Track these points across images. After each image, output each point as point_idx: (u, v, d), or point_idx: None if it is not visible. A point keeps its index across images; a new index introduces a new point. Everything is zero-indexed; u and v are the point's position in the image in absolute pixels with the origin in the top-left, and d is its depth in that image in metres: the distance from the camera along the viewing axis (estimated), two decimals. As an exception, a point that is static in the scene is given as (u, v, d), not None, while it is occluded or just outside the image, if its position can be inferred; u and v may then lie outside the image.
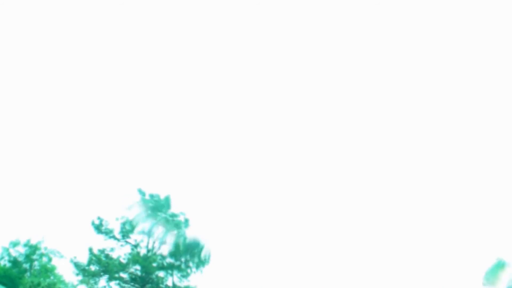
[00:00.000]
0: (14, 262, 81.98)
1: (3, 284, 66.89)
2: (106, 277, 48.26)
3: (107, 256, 48.10)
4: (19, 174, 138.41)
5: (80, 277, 49.77)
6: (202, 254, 47.87)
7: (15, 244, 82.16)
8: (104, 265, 47.19)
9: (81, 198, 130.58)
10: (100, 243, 49.00)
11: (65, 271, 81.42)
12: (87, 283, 49.70)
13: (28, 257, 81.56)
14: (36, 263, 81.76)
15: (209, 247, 48.54)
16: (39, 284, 67.83)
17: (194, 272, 48.12)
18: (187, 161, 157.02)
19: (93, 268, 48.54)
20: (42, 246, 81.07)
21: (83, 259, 49.05)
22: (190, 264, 47.94)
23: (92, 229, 48.87)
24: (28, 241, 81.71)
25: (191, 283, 48.28)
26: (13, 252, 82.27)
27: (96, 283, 48.92)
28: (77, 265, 48.83)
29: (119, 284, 49.78)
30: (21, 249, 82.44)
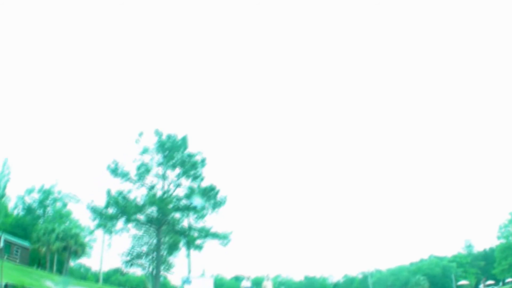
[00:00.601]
0: (28, 210, 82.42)
1: (15, 234, 67.56)
2: (123, 219, 48.40)
3: (124, 198, 48.09)
4: (33, 118, 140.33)
5: (97, 221, 49.76)
6: (218, 195, 47.79)
7: (30, 192, 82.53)
8: (122, 207, 47.17)
9: (96, 142, 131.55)
10: (116, 186, 49.14)
11: (82, 215, 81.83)
12: (104, 226, 49.90)
13: (42, 203, 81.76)
14: (49, 208, 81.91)
15: (225, 187, 48.48)
16: (53, 229, 68.34)
17: (210, 213, 48.04)
18: (205, 102, 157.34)
19: (110, 210, 48.63)
20: (56, 190, 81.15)
21: (100, 203, 49.28)
22: (206, 205, 47.87)
23: (108, 173, 48.95)
24: (42, 186, 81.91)
25: (207, 224, 48.31)
26: (28, 200, 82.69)
27: (113, 225, 49.11)
28: (94, 209, 48.71)
29: (136, 225, 50.01)
30: (36, 196, 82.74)
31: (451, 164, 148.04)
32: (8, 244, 60.73)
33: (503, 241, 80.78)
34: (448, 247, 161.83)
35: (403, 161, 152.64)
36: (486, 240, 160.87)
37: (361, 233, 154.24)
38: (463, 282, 77.89)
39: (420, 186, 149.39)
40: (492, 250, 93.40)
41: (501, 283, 69.64)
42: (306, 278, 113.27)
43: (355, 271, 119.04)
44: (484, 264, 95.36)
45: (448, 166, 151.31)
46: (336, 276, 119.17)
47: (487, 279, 73.74)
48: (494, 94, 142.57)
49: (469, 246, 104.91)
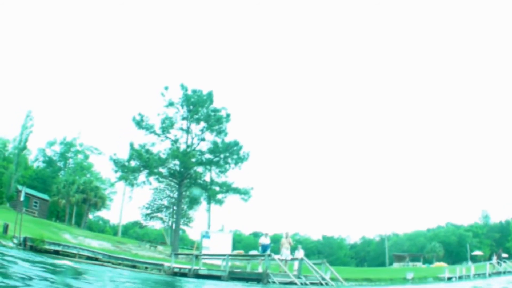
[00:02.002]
0: (49, 162, 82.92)
1: (34, 187, 68.10)
2: (145, 172, 48.66)
3: (147, 151, 48.29)
4: (57, 69, 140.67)
5: (119, 174, 50.00)
6: (241, 151, 47.79)
7: (51, 144, 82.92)
8: (145, 160, 47.33)
9: (120, 94, 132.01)
10: (140, 139, 49.26)
11: (104, 168, 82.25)
12: (126, 179, 50.16)
13: (63, 155, 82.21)
14: (71, 160, 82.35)
15: (249, 144, 48.48)
16: (73, 182, 68.67)
17: (233, 168, 48.26)
18: (232, 58, 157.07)
19: (133, 163, 48.83)
20: (78, 142, 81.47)
21: (123, 156, 49.48)
22: (229, 160, 47.97)
23: (133, 125, 49.02)
24: (64, 138, 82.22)
25: (229, 179, 48.52)
26: (49, 152, 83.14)
27: (135, 178, 49.36)
28: (116, 161, 48.95)
29: (157, 179, 50.41)
30: (57, 148, 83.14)
31: (474, 134, 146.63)
32: (27, 197, 61.23)
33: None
34: (465, 216, 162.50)
35: (427, 126, 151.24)
36: (503, 212, 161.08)
37: (381, 196, 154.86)
38: (477, 252, 77.76)
39: (443, 153, 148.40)
40: (508, 223, 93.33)
41: (515, 258, 69.44)
42: (324, 237, 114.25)
43: (373, 234, 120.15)
44: (499, 237, 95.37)
45: (472, 136, 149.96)
46: (353, 237, 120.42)
47: (503, 251, 73.47)
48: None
49: (486, 217, 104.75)
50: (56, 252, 26.85)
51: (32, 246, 25.91)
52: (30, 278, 8.05)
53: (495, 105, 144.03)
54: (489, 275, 34.44)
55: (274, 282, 20.83)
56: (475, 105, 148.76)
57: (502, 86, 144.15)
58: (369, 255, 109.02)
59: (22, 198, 32.88)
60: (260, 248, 26.71)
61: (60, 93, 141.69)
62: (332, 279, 23.96)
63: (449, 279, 35.20)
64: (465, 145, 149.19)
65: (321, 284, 22.33)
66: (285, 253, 25.54)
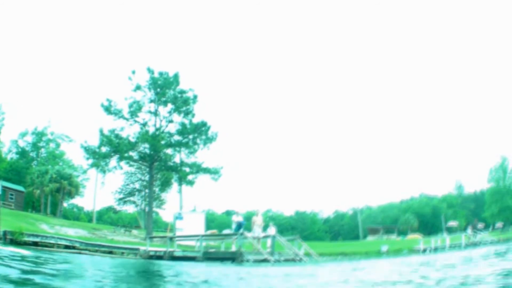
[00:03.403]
0: (22, 153, 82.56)
1: (9, 179, 67.71)
2: (116, 157, 48.77)
3: (117, 136, 48.40)
4: (23, 60, 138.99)
5: (90, 161, 50.10)
6: (209, 131, 48.12)
7: (23, 135, 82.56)
8: (115, 145, 47.43)
9: (88, 81, 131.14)
10: (109, 124, 49.33)
11: (75, 155, 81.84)
12: (97, 166, 50.29)
13: (35, 145, 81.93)
14: (43, 150, 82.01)
15: (216, 123, 48.77)
16: (46, 171, 68.60)
17: (201, 149, 48.56)
18: (196, 39, 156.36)
19: (104, 149, 48.92)
20: (49, 131, 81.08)
21: (93, 143, 49.58)
22: (198, 141, 48.26)
23: (101, 111, 49.07)
24: (35, 128, 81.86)
25: (198, 159, 48.86)
26: (22, 143, 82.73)
27: (106, 164, 49.55)
28: (87, 148, 48.97)
29: (128, 163, 50.54)
30: (30, 139, 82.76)
31: (446, 104, 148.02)
32: (3, 190, 61.12)
33: (493, 184, 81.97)
34: (439, 187, 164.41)
35: (399, 98, 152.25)
36: (476, 182, 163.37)
37: (353, 169, 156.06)
38: (452, 223, 79.09)
39: (415, 124, 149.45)
40: (482, 193, 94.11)
41: (491, 228, 70.67)
42: (297, 213, 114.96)
43: (346, 207, 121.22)
44: (474, 207, 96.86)
45: (444, 106, 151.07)
46: (326, 212, 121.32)
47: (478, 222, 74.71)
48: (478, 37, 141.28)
49: (460, 187, 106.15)
50: (35, 244, 26.97)
51: (12, 239, 26.02)
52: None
53: (466, 73, 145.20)
54: (465, 246, 34.74)
55: (248, 261, 21.07)
56: (445, 73, 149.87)
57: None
58: (343, 229, 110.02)
59: None
60: (234, 226, 27.08)
61: (28, 82, 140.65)
62: (306, 254, 24.53)
63: (424, 251, 35.84)
64: (437, 114, 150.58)
65: (295, 260, 22.74)
66: (257, 230, 25.89)
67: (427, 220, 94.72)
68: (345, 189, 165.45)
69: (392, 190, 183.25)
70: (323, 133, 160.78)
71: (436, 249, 35.62)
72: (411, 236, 65.71)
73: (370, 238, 72.64)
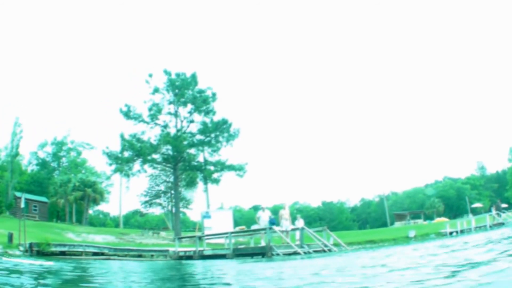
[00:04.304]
0: (42, 164, 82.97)
1: (31, 191, 68.09)
2: (139, 161, 48.89)
3: (138, 139, 48.48)
4: (38, 72, 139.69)
5: (113, 166, 50.25)
6: (231, 128, 48.03)
7: (42, 146, 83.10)
8: (137, 149, 47.54)
9: (104, 88, 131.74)
10: (130, 129, 49.42)
11: (98, 162, 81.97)
12: (121, 171, 50.41)
13: (56, 155, 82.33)
14: (64, 159, 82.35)
15: (237, 120, 48.63)
16: (69, 180, 68.84)
17: (225, 146, 48.51)
18: (211, 37, 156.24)
19: (126, 154, 49.05)
20: (69, 140, 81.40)
21: (115, 148, 49.72)
22: (220, 138, 48.22)
23: (120, 116, 49.16)
24: (55, 138, 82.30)
25: (222, 157, 48.81)
26: (41, 154, 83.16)
27: (130, 168, 49.60)
28: (109, 154, 49.14)
29: (152, 165, 50.59)
30: (49, 149, 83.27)
31: (466, 86, 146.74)
32: (26, 202, 61.44)
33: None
34: (462, 169, 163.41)
35: (421, 82, 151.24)
36: (498, 162, 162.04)
37: (377, 155, 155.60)
38: (477, 204, 78.43)
39: (436, 108, 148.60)
40: (504, 172, 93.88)
41: (514, 207, 69.96)
42: (324, 203, 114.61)
43: (372, 194, 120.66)
44: (497, 187, 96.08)
45: (464, 88, 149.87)
46: (353, 200, 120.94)
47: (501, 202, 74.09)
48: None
49: (482, 168, 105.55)
50: (63, 253, 26.97)
51: (38, 250, 25.94)
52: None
53: (487, 55, 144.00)
54: (490, 227, 34.44)
55: (278, 254, 21.07)
56: (465, 57, 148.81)
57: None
58: (370, 217, 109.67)
59: (22, 205, 32.84)
60: (260, 222, 26.90)
61: (44, 93, 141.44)
62: (335, 244, 24.40)
63: (451, 233, 35.55)
64: (458, 96, 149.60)
65: (324, 251, 22.56)
66: (285, 224, 25.82)
67: (452, 203, 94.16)
68: (370, 177, 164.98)
69: (416, 174, 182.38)
70: (345, 122, 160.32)
71: (462, 231, 35.29)
72: (438, 220, 65.17)
73: (397, 224, 72.14)
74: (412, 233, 38.83)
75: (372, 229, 79.32)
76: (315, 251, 22.74)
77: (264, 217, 26.87)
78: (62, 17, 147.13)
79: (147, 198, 53.52)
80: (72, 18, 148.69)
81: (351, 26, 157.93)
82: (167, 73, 49.43)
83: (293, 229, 25.92)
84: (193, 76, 49.22)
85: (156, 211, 60.13)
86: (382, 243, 34.87)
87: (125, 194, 66.23)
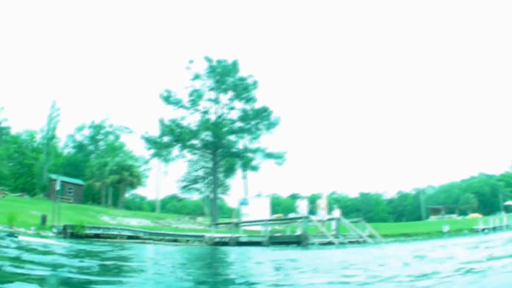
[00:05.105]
0: (79, 147, 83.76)
1: (67, 173, 68.80)
2: (178, 146, 49.28)
3: (178, 125, 48.89)
4: (77, 55, 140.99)
5: (152, 151, 50.72)
6: (271, 116, 48.14)
7: (80, 129, 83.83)
8: (176, 134, 47.99)
9: (145, 72, 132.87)
10: (170, 114, 49.79)
11: (136, 146, 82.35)
12: (160, 155, 50.84)
13: (93, 138, 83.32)
14: (101, 143, 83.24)
15: (278, 108, 48.64)
16: (106, 164, 69.54)
17: (264, 134, 48.65)
18: (252, 24, 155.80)
19: (165, 139, 49.50)
20: (107, 124, 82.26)
21: (154, 133, 50.17)
22: (260, 126, 48.35)
23: (161, 101, 49.54)
24: (93, 122, 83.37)
25: (262, 145, 48.98)
26: (79, 137, 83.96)
27: (169, 153, 49.99)
28: (148, 139, 49.65)
29: (191, 151, 50.90)
30: (87, 133, 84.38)
31: (500, 81, 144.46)
32: (61, 185, 61.95)
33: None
34: (497, 165, 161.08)
35: (457, 77, 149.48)
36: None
37: (416, 149, 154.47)
38: (510, 202, 77.39)
39: (473, 104, 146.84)
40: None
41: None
42: (361, 194, 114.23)
43: (409, 187, 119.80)
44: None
45: (498, 83, 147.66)
46: (390, 192, 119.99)
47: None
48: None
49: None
50: (97, 236, 26.80)
51: (72, 233, 25.71)
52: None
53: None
54: None
55: (313, 244, 21.06)
56: (501, 50, 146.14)
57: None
58: (406, 210, 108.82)
59: (58, 187, 33.11)
60: (299, 210, 27.02)
61: (83, 77, 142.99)
62: (370, 236, 24.39)
63: (483, 230, 35.38)
64: (492, 92, 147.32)
65: (359, 242, 22.60)
66: (322, 213, 25.92)
67: (486, 199, 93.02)
68: (408, 169, 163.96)
69: (453, 169, 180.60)
70: (387, 113, 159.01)
71: (494, 228, 35.11)
72: (472, 216, 64.51)
73: (432, 218, 71.50)
74: (445, 228, 38.63)
75: (408, 222, 78.73)
76: (350, 242, 22.79)
77: (302, 206, 27.03)
78: (104, 1, 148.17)
79: (185, 183, 53.70)
80: (114, 2, 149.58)
81: (396, 19, 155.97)
82: (208, 59, 49.75)
83: (329, 219, 25.99)
84: (234, 64, 49.41)
85: (194, 196, 60.38)
86: (416, 236, 34.78)
87: (163, 178, 66.43)
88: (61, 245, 15.35)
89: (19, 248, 11.32)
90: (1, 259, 8.13)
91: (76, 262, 9.11)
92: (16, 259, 8.42)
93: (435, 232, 37.36)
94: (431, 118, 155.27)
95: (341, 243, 22.00)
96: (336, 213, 27.39)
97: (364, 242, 22.82)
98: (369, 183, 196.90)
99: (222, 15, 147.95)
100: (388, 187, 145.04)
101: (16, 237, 16.25)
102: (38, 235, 22.49)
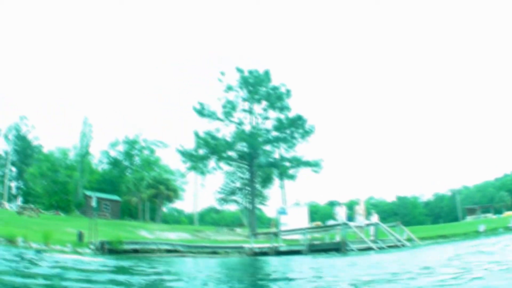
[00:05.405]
0: (114, 163, 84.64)
1: (102, 190, 69.39)
2: (214, 158, 49.47)
3: (213, 137, 49.05)
4: (108, 72, 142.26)
5: (188, 164, 50.97)
6: (306, 124, 48.08)
7: (114, 145, 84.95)
8: (212, 146, 48.16)
9: (176, 87, 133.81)
10: (204, 126, 50.08)
11: (172, 160, 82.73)
12: (196, 168, 51.09)
13: (128, 154, 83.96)
14: (136, 158, 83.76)
15: (312, 115, 48.59)
16: (142, 178, 70.02)
17: (300, 142, 48.61)
18: (284, 34, 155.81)
19: (201, 151, 49.75)
20: (141, 139, 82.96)
21: (189, 146, 50.47)
22: (295, 135, 48.34)
23: (194, 114, 49.86)
24: (126, 137, 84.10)
25: (298, 153, 48.94)
26: (113, 153, 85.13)
27: (205, 166, 50.20)
28: (184, 152, 49.93)
29: (227, 163, 51.05)
30: (121, 148, 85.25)
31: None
32: (97, 201, 62.49)
33: None
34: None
35: (489, 76, 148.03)
36: None
37: (450, 150, 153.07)
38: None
39: (505, 102, 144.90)
40: None
41: None
42: (399, 198, 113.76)
43: (444, 188, 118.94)
44: None
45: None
46: (426, 195, 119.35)
47: None
48: None
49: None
50: (135, 251, 26.70)
51: (110, 249, 25.58)
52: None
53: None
54: None
55: (352, 250, 21.20)
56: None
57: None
58: (443, 211, 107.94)
59: (93, 204, 33.33)
60: (338, 218, 27.07)
61: (114, 93, 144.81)
62: (408, 240, 24.28)
63: (516, 228, 35.02)
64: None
65: (397, 246, 22.53)
66: (360, 219, 25.91)
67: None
68: (443, 171, 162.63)
69: (486, 168, 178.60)
70: (418, 117, 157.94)
71: None
72: (506, 214, 63.61)
73: (468, 218, 70.61)
74: (482, 228, 38.09)
75: (445, 223, 77.94)
76: (389, 246, 22.74)
77: (340, 213, 27.06)
78: (132, 14, 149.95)
79: (223, 195, 53.93)
80: (143, 15, 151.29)
81: (434, 24, 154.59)
82: (239, 70, 49.93)
83: (367, 225, 25.97)
84: (266, 73, 49.53)
85: (232, 207, 60.63)
86: (453, 237, 34.45)
87: (200, 191, 66.69)
88: (98, 262, 15.46)
89: (58, 267, 11.33)
90: (48, 277, 8.22)
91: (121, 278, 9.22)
92: (58, 277, 8.51)
93: (471, 232, 36.91)
94: (464, 117, 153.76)
95: (380, 248, 22.07)
96: (374, 218, 27.40)
97: (403, 246, 22.76)
98: (405, 186, 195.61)
99: (250, 24, 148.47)
100: (425, 190, 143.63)
101: (40, 253, 16.30)
102: (75, 252, 22.52)
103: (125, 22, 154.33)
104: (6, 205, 58.78)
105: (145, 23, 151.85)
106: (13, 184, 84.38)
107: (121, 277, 9.54)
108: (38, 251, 17.40)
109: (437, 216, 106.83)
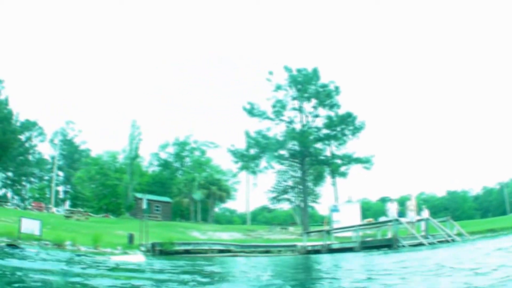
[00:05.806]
0: (164, 165, 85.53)
1: (153, 192, 69.78)
2: (265, 157, 49.91)
3: (264, 136, 49.50)
4: (155, 75, 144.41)
5: (239, 164, 51.51)
6: (356, 121, 48.00)
7: (164, 147, 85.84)
8: (263, 146, 48.59)
9: (227, 87, 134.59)
10: (254, 126, 50.56)
11: (223, 160, 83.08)
12: (247, 168, 51.56)
13: (178, 155, 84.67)
14: (187, 159, 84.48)
15: (362, 111, 48.49)
16: (193, 179, 70.51)
17: (351, 139, 48.59)
18: (332, 30, 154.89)
19: (252, 151, 50.23)
20: (191, 140, 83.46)
21: (240, 146, 51.01)
22: (346, 132, 48.33)
23: (244, 114, 50.34)
24: (176, 139, 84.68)
25: (349, 150, 48.93)
26: (163, 155, 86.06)
27: (257, 165, 50.69)
28: (235, 152, 50.56)
29: (278, 161, 51.38)
30: (171, 150, 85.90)
31: None
32: (148, 203, 62.92)
33: None
34: None
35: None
36: None
37: (499, 142, 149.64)
38: None
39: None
40: None
41: None
42: (449, 192, 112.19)
43: (493, 182, 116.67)
44: None
45: None
46: (475, 189, 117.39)
47: None
48: None
49: None
50: (187, 252, 26.42)
51: (161, 250, 25.51)
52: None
53: None
54: None
55: (403, 246, 21.14)
56: None
57: None
58: (492, 205, 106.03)
59: (144, 206, 33.76)
60: (390, 214, 27.04)
61: (164, 95, 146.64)
62: (458, 234, 24.10)
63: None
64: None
65: (448, 241, 22.36)
66: (411, 215, 25.84)
67: None
68: (492, 164, 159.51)
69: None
70: (467, 110, 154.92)
71: None
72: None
73: (517, 211, 69.28)
74: (530, 221, 37.58)
75: (493, 217, 76.54)
76: (439, 241, 22.54)
77: (392, 209, 26.99)
78: (185, 17, 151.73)
79: (275, 194, 54.18)
80: (195, 17, 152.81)
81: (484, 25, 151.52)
82: (288, 69, 50.24)
83: (418, 220, 25.83)
84: (315, 71, 49.65)
85: (284, 206, 60.59)
86: (503, 231, 33.97)
87: (252, 190, 67.00)
88: (154, 262, 15.75)
89: (114, 269, 11.63)
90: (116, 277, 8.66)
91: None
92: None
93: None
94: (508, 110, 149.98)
95: (431, 243, 21.90)
96: (425, 213, 27.20)
97: (453, 241, 22.59)
98: (456, 181, 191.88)
99: (296, 22, 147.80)
100: (474, 184, 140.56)
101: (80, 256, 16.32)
102: (125, 254, 22.43)
103: (178, 22, 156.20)
104: (54, 209, 59.86)
105: (201, 22, 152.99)
106: (61, 189, 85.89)
107: (186, 276, 9.90)
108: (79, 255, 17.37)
109: (486, 210, 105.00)
